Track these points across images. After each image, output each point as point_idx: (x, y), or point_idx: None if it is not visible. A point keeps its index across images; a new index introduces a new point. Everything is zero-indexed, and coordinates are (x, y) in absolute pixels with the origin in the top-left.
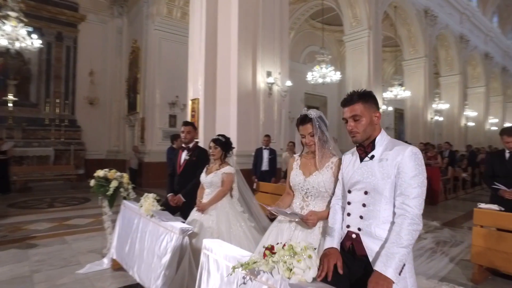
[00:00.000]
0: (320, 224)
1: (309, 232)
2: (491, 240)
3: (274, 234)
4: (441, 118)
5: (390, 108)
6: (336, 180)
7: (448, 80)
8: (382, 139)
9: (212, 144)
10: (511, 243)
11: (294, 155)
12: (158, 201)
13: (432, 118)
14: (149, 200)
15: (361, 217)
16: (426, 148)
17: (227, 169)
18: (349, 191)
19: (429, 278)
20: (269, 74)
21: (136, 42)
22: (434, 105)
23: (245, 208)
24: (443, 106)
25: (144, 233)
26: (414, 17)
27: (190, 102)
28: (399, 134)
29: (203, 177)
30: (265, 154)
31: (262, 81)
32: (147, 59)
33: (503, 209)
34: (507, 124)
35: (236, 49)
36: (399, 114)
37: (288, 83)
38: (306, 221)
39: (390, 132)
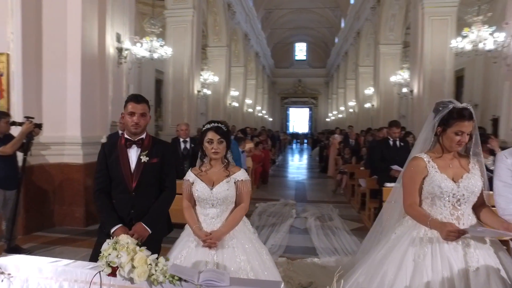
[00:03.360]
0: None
1: (486, 248)
2: None
3: (437, 259)
4: (237, 104)
5: (209, 92)
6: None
7: (236, 70)
8: None
9: (214, 137)
10: None
11: (421, 156)
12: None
13: (230, 104)
14: (135, 250)
15: None
16: (259, 133)
17: (241, 174)
18: None
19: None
20: (118, 37)
21: None
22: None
23: None
24: (234, 93)
25: None
26: (221, 7)
27: None
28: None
29: (206, 191)
30: None
31: (111, 44)
32: None
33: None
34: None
35: None
36: None
37: (145, 53)
38: None
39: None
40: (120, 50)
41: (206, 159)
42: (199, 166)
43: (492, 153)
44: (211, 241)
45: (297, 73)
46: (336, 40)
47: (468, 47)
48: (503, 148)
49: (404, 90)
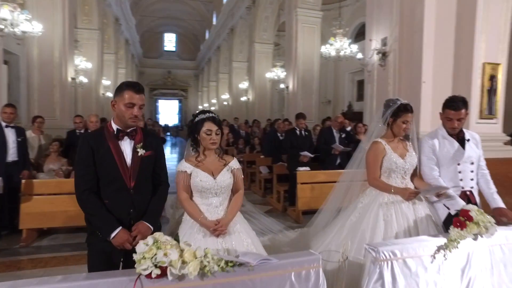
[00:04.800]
0: None
1: (422, 203)
2: (309, 191)
3: (399, 215)
4: (111, 94)
5: (86, 80)
6: None
7: (106, 57)
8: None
9: (213, 127)
10: (319, 190)
11: (379, 140)
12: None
13: (103, 94)
14: (179, 246)
15: (471, 179)
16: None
17: (235, 162)
18: (459, 164)
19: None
20: None
21: None
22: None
23: None
24: (106, 82)
25: None
26: None
27: None
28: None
29: (210, 181)
30: (11, 135)
31: None
32: None
33: (309, 168)
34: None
35: None
36: None
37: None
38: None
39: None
40: None
41: (199, 149)
42: (195, 157)
43: None
44: (222, 228)
45: (166, 64)
46: (207, 34)
47: (333, 53)
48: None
49: (282, 86)
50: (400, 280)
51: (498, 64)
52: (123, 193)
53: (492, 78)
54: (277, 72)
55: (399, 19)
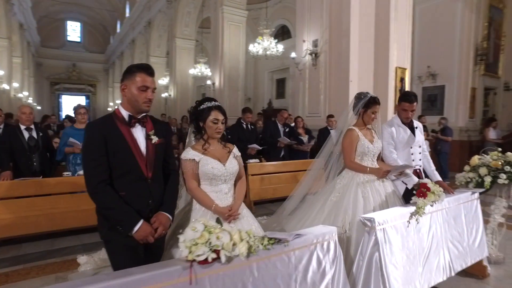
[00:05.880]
0: None
1: (388, 180)
2: (259, 182)
3: (374, 192)
4: (7, 87)
5: None
6: None
7: None
8: None
9: (220, 117)
10: (268, 181)
11: (353, 128)
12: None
13: None
14: (225, 228)
15: (420, 159)
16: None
17: (236, 150)
18: (411, 147)
19: None
20: None
21: None
22: None
23: None
24: None
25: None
26: None
27: None
28: None
29: (221, 168)
30: None
31: None
32: None
33: (258, 160)
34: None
35: None
36: None
37: None
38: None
39: None
40: None
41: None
42: (201, 145)
43: (307, 132)
44: (235, 214)
45: (70, 56)
46: (119, 25)
47: (261, 51)
48: (307, 129)
49: (208, 82)
50: (391, 242)
51: (405, 69)
52: (141, 184)
53: (402, 80)
54: (201, 69)
55: (329, 23)
